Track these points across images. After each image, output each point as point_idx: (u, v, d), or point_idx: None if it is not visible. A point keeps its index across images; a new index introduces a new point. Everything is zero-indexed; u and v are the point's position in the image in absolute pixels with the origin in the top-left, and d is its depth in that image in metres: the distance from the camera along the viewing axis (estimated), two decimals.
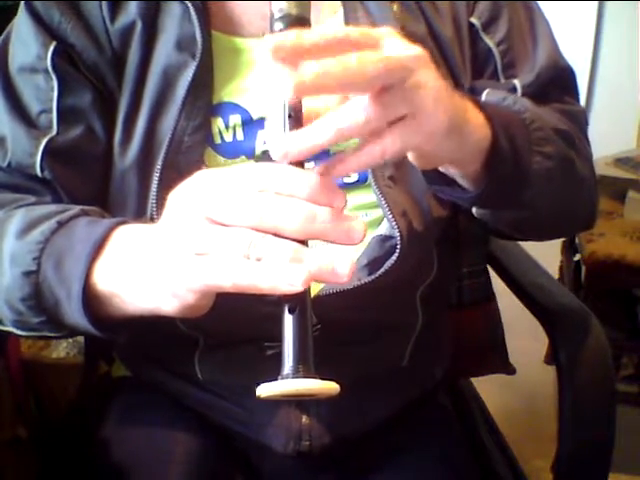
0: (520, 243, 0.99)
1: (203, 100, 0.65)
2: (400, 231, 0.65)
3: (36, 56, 0.64)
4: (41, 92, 0.65)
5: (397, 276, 0.66)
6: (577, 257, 1.80)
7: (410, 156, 0.53)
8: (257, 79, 0.67)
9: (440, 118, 0.47)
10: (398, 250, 0.65)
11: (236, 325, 0.66)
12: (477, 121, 0.54)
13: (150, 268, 0.49)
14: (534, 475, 1.08)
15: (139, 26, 0.65)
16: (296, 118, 0.47)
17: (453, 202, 0.66)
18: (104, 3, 0.65)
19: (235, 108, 0.67)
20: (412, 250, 0.66)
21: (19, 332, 0.62)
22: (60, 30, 0.65)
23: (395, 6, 0.68)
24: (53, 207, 0.62)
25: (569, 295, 0.88)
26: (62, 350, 1.12)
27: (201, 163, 0.65)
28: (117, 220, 0.57)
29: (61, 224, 0.58)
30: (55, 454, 0.82)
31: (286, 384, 0.44)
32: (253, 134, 0.67)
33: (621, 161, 1.88)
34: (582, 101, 0.83)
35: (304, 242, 0.44)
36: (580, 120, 0.74)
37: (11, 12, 0.68)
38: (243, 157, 0.68)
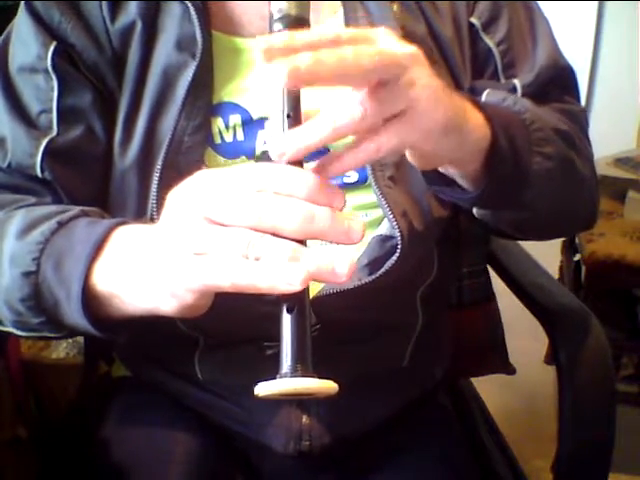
0: (520, 243, 0.99)
1: (203, 100, 0.65)
2: (400, 231, 0.65)
3: (36, 56, 0.64)
4: (41, 92, 0.65)
5: (397, 276, 0.66)
6: (577, 257, 1.80)
7: (409, 156, 0.53)
8: (257, 79, 0.67)
9: (435, 115, 0.47)
10: (398, 250, 0.65)
11: (236, 325, 0.66)
12: (477, 121, 0.54)
13: (149, 268, 0.49)
14: (534, 475, 1.08)
15: (139, 26, 0.65)
16: (295, 117, 0.47)
17: (453, 202, 0.66)
18: (104, 3, 0.65)
19: (235, 108, 0.67)
20: (412, 250, 0.66)
21: (19, 332, 0.62)
22: (60, 30, 0.65)
23: (395, 6, 0.68)
24: (53, 208, 0.62)
25: (569, 295, 0.88)
26: (62, 350, 1.12)
27: (201, 163, 0.65)
28: (117, 220, 0.57)
29: (61, 225, 0.58)
30: (55, 454, 0.82)
31: (284, 383, 0.44)
32: (253, 134, 0.67)
33: (621, 161, 1.88)
34: (582, 101, 0.83)
35: (303, 242, 0.44)
36: (580, 120, 0.74)
37: (11, 12, 0.68)
38: (243, 157, 0.68)
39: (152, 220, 0.63)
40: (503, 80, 0.73)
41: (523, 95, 0.71)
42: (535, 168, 0.60)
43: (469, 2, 0.72)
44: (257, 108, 0.67)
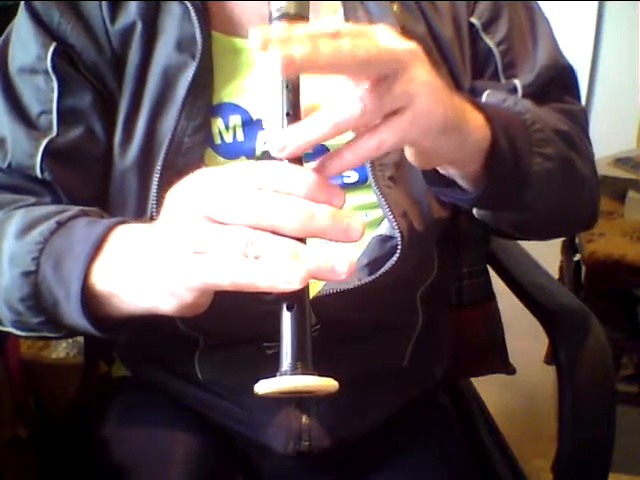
0: (520, 243, 0.99)
1: (203, 100, 0.65)
2: (400, 231, 0.65)
3: (36, 57, 0.64)
4: (41, 93, 0.65)
5: (397, 276, 0.66)
6: (577, 257, 1.80)
7: (409, 155, 0.53)
8: (257, 79, 0.67)
9: (435, 111, 0.47)
10: (398, 250, 0.65)
11: (236, 325, 0.66)
12: (477, 122, 0.54)
13: (148, 267, 0.49)
14: (534, 475, 1.08)
15: (139, 26, 0.65)
16: (294, 115, 0.47)
17: (454, 203, 0.66)
18: (104, 3, 0.65)
19: (235, 108, 0.67)
20: (412, 250, 0.66)
21: (18, 332, 0.62)
22: (60, 31, 0.65)
23: (395, 6, 0.68)
24: (52, 208, 0.62)
25: (569, 295, 0.88)
26: (62, 350, 1.12)
27: (201, 164, 0.65)
28: (116, 220, 0.57)
29: (60, 224, 0.58)
30: (55, 454, 0.82)
31: (284, 381, 0.44)
32: (253, 135, 0.67)
33: (621, 161, 1.88)
34: (582, 101, 0.83)
35: (303, 240, 0.44)
36: (581, 119, 0.74)
37: (11, 12, 0.68)
38: (243, 158, 0.67)
39: (152, 220, 0.63)
40: (503, 80, 0.73)
41: (524, 95, 0.71)
42: (535, 169, 0.60)
43: (469, 2, 0.72)
44: (257, 109, 0.67)
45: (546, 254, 1.14)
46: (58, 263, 0.56)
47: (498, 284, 0.95)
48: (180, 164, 0.64)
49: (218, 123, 0.67)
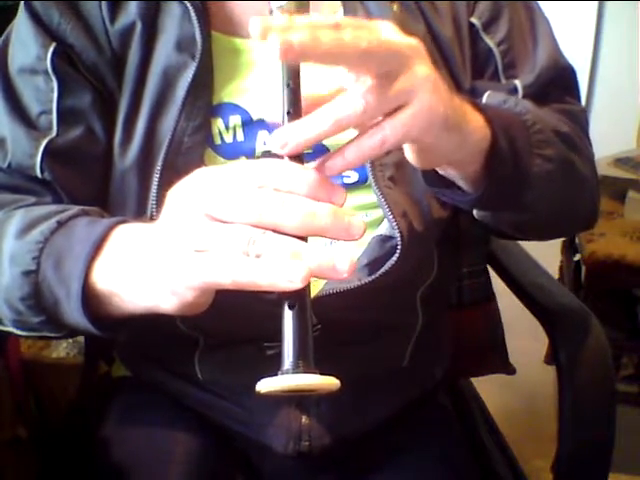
0: (520, 243, 0.99)
1: (203, 100, 0.65)
2: (400, 231, 0.65)
3: (36, 57, 0.64)
4: (41, 93, 0.65)
5: (397, 276, 0.66)
6: (577, 257, 1.80)
7: (409, 156, 0.53)
8: (257, 80, 0.67)
9: (436, 107, 0.47)
10: (398, 250, 0.65)
11: (236, 325, 0.66)
12: (477, 123, 0.54)
13: (149, 266, 0.49)
14: (534, 475, 1.08)
15: (139, 27, 0.65)
16: (295, 112, 0.47)
17: (453, 203, 0.66)
18: (104, 3, 0.65)
19: (235, 109, 0.67)
20: (412, 250, 0.66)
21: (19, 332, 0.62)
22: (60, 31, 0.65)
23: (395, 6, 0.68)
24: (52, 207, 0.62)
25: (569, 295, 0.88)
26: (62, 350, 1.12)
27: (201, 164, 0.65)
28: (116, 219, 0.57)
29: (60, 224, 0.58)
30: (55, 454, 0.82)
31: (286, 379, 0.44)
32: (253, 135, 0.67)
33: (621, 161, 1.88)
34: (582, 101, 0.83)
35: (304, 239, 0.44)
36: (581, 120, 0.74)
37: (11, 12, 0.68)
38: (243, 158, 0.67)
39: (152, 220, 0.63)
40: (504, 80, 0.73)
41: (524, 96, 0.71)
42: (535, 170, 0.60)
43: (469, 2, 0.72)
44: (257, 109, 0.67)
45: (546, 254, 1.14)
46: (58, 262, 0.56)
47: (498, 284, 0.95)
48: (180, 164, 0.64)
49: (218, 123, 0.67)
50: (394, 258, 0.65)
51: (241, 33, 0.67)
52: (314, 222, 0.43)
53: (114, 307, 0.55)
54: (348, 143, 0.46)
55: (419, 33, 0.68)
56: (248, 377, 0.49)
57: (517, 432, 1.22)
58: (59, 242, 0.57)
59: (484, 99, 0.67)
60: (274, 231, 0.44)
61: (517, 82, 0.72)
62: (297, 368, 0.44)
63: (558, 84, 0.74)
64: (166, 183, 0.53)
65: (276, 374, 0.44)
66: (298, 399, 0.70)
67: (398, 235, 0.65)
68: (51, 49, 0.64)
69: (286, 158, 0.46)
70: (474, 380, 1.01)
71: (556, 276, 1.96)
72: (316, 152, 0.50)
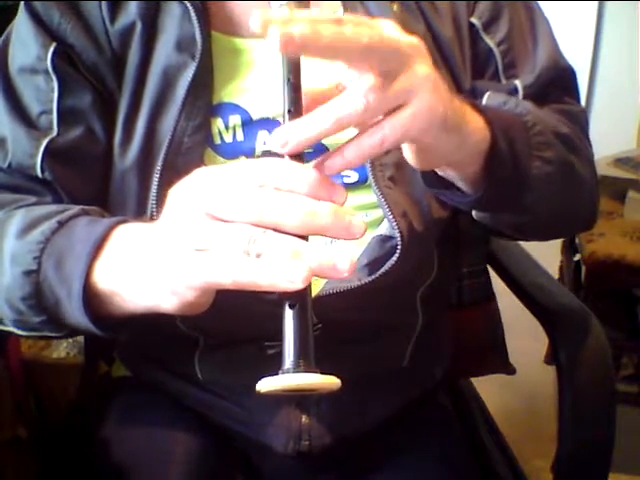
0: (520, 243, 0.99)
1: (203, 100, 0.65)
2: (400, 231, 0.65)
3: (36, 57, 0.64)
4: (41, 93, 0.65)
5: (397, 276, 0.66)
6: (577, 257, 1.80)
7: (409, 156, 0.53)
8: (257, 79, 0.67)
9: (436, 107, 0.47)
10: (398, 250, 0.65)
11: (236, 324, 0.66)
12: (477, 124, 0.54)
13: (149, 265, 0.49)
14: (534, 475, 1.08)
15: (139, 27, 0.65)
16: (296, 111, 0.47)
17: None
18: (104, 3, 0.65)
19: (235, 109, 0.67)
20: (412, 250, 0.66)
21: (20, 332, 0.62)
22: (60, 31, 0.65)
23: (395, 6, 0.68)
24: (53, 207, 0.62)
25: (569, 295, 0.88)
26: (62, 350, 1.12)
27: (201, 164, 0.65)
28: (117, 219, 0.57)
29: (61, 224, 0.58)
30: (55, 454, 0.82)
31: (287, 379, 0.44)
32: (253, 135, 0.67)
33: (621, 161, 1.88)
34: (582, 101, 0.83)
35: (304, 238, 0.44)
36: (581, 120, 0.74)
37: (11, 12, 0.68)
38: (243, 158, 0.67)
39: (152, 220, 0.63)
40: (504, 80, 0.73)
41: (524, 96, 0.71)
42: (535, 172, 0.60)
43: (469, 2, 0.72)
44: (257, 109, 0.67)
45: (546, 254, 1.14)
46: (59, 262, 0.56)
47: (498, 284, 0.95)
48: (180, 164, 0.64)
49: (218, 123, 0.67)
50: (394, 258, 0.65)
51: (241, 33, 0.67)
52: (315, 221, 0.43)
53: (115, 307, 0.55)
54: (347, 142, 0.46)
55: (419, 33, 0.68)
56: (248, 377, 0.49)
57: (517, 432, 1.22)
58: (60, 242, 0.57)
59: (484, 100, 0.67)
60: (275, 230, 0.44)
61: (517, 82, 0.72)
62: (298, 367, 0.44)
63: (558, 84, 0.74)
64: (166, 183, 0.53)
65: (277, 373, 0.44)
66: (298, 399, 0.70)
67: (398, 235, 0.65)
68: (51, 49, 0.64)
69: (286, 157, 0.46)
70: (474, 380, 1.01)
71: (556, 276, 1.96)
72: (316, 151, 0.50)
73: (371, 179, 0.67)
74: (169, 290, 0.48)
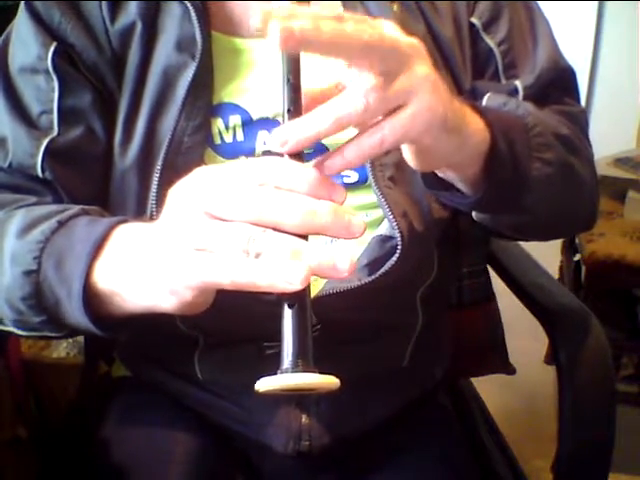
0: (520, 243, 0.99)
1: (203, 100, 0.65)
2: (401, 232, 0.65)
3: (36, 57, 0.65)
4: (42, 93, 0.65)
5: (397, 276, 0.66)
6: (577, 257, 1.80)
7: (408, 158, 0.53)
8: (257, 80, 0.67)
9: (436, 107, 0.47)
10: (398, 251, 0.65)
11: (236, 324, 0.66)
12: (476, 125, 0.54)
13: (148, 265, 0.49)
14: (534, 475, 1.08)
15: (139, 26, 0.65)
16: (295, 110, 0.47)
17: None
18: (104, 3, 0.65)
19: (235, 109, 0.67)
20: (412, 251, 0.66)
21: (20, 332, 0.62)
22: (60, 30, 0.65)
23: (395, 6, 0.68)
24: (53, 207, 0.62)
25: (569, 295, 0.88)
26: (62, 350, 1.12)
27: (201, 163, 0.65)
28: (117, 219, 0.57)
29: (61, 223, 0.58)
30: (55, 454, 0.82)
31: (285, 378, 0.44)
32: (253, 135, 0.67)
33: (621, 161, 1.88)
34: (582, 101, 0.83)
35: (304, 237, 0.44)
36: (581, 121, 0.74)
37: (11, 12, 0.68)
38: (243, 158, 0.67)
39: (152, 220, 0.63)
40: (504, 80, 0.73)
41: (524, 97, 0.71)
42: (535, 174, 0.60)
43: (469, 2, 0.72)
44: (257, 109, 0.67)
45: (546, 254, 1.14)
46: (59, 262, 0.56)
47: (498, 284, 0.95)
48: (180, 164, 0.64)
49: (218, 123, 0.67)
50: (394, 258, 0.65)
51: (241, 33, 0.67)
52: (314, 220, 0.43)
53: (115, 307, 0.55)
54: (347, 142, 0.46)
55: (419, 33, 0.68)
56: (248, 377, 0.49)
57: (517, 432, 1.22)
58: (60, 242, 0.57)
59: (484, 101, 0.67)
60: (274, 229, 0.43)
61: (517, 83, 0.72)
62: (296, 367, 0.44)
63: (558, 85, 0.74)
64: (166, 183, 0.53)
65: (275, 373, 0.44)
66: (298, 398, 0.70)
67: (398, 235, 0.65)
68: (52, 48, 0.64)
69: (286, 156, 0.46)
70: (474, 380, 1.01)
71: (556, 276, 1.96)
72: (316, 152, 0.50)
73: (371, 179, 0.67)
74: (168, 290, 0.48)
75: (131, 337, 0.59)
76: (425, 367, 0.80)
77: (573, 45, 1.77)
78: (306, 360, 0.44)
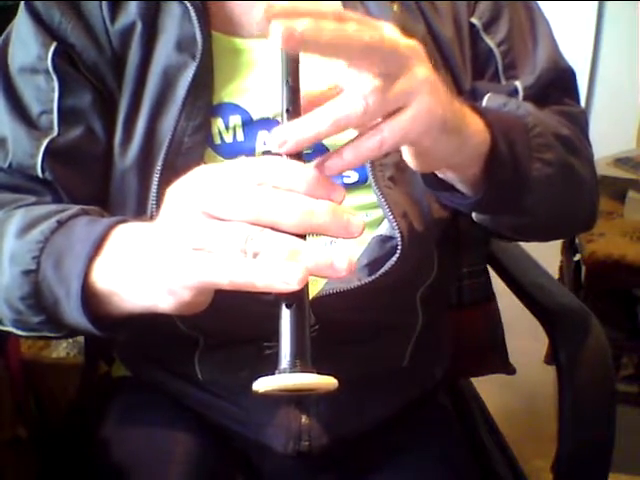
0: (520, 243, 0.99)
1: (203, 100, 0.65)
2: (401, 232, 0.65)
3: (36, 56, 0.65)
4: (42, 93, 0.65)
5: (397, 277, 0.66)
6: (577, 257, 1.80)
7: (408, 159, 0.53)
8: (257, 80, 0.67)
9: (435, 109, 0.47)
10: (398, 251, 0.65)
11: (235, 325, 0.66)
12: (476, 126, 0.54)
13: (147, 265, 0.49)
14: (534, 475, 1.08)
15: (139, 26, 0.65)
16: (294, 111, 0.47)
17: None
18: (104, 3, 0.65)
19: (235, 109, 0.67)
20: (412, 251, 0.66)
21: (19, 332, 0.62)
22: (60, 30, 0.65)
23: (395, 6, 0.68)
24: (53, 207, 0.62)
25: (569, 295, 0.88)
26: (62, 350, 1.12)
27: (201, 163, 0.65)
28: (116, 219, 0.57)
29: (61, 223, 0.58)
30: (55, 454, 0.82)
31: (283, 379, 0.43)
32: (253, 135, 0.67)
33: (621, 161, 1.88)
34: (582, 101, 0.83)
35: (302, 237, 0.44)
36: (580, 121, 0.74)
37: (11, 12, 0.68)
38: (243, 158, 0.67)
39: (152, 220, 0.63)
40: (504, 81, 0.73)
41: (524, 97, 0.71)
42: (535, 174, 0.60)
43: (470, 2, 0.72)
44: (257, 109, 0.67)
45: (546, 254, 1.14)
46: (58, 262, 0.56)
47: (498, 284, 0.95)
48: (180, 164, 0.64)
49: (218, 123, 0.67)
50: (394, 258, 0.65)
51: (241, 33, 0.68)
52: (313, 220, 0.43)
53: (114, 307, 0.55)
54: (346, 144, 0.46)
55: (419, 33, 0.68)
56: (247, 377, 0.49)
57: (517, 432, 1.22)
58: (59, 241, 0.57)
59: (484, 102, 0.67)
60: (272, 229, 0.43)
61: (518, 83, 0.72)
62: (294, 367, 0.44)
63: (558, 86, 0.74)
64: (166, 183, 0.53)
65: (273, 373, 0.44)
66: (297, 399, 0.70)
67: (398, 235, 0.65)
68: (52, 48, 0.64)
69: (285, 156, 0.46)
70: (474, 380, 1.01)
71: (556, 276, 1.96)
72: (316, 152, 0.50)
73: (371, 179, 0.66)
74: (166, 290, 0.48)
75: (131, 337, 0.59)
76: (425, 367, 0.80)
77: (573, 45, 1.77)
78: (304, 360, 0.44)
